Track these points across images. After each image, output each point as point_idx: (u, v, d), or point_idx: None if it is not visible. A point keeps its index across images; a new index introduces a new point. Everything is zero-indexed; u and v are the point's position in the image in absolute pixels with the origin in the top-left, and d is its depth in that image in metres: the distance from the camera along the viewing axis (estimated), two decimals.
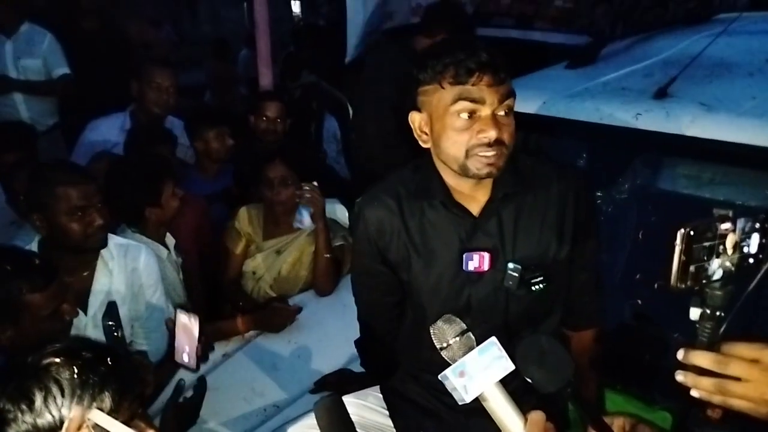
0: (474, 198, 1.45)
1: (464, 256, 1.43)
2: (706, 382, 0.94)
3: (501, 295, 1.45)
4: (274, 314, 2.40)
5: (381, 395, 1.73)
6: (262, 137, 3.24)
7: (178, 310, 1.74)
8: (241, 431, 1.96)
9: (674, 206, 2.00)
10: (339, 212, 2.74)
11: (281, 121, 3.24)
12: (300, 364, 2.21)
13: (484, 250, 1.43)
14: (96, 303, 2.06)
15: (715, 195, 1.93)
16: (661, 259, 0.97)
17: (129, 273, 2.14)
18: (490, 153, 1.32)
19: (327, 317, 2.40)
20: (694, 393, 0.95)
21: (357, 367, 1.97)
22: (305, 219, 2.54)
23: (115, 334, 1.48)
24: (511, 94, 1.34)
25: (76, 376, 1.06)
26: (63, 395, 1.05)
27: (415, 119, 1.43)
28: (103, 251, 2.08)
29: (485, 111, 1.32)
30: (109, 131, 3.20)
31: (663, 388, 1.63)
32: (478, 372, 0.96)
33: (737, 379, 0.92)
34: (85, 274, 2.06)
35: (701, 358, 0.94)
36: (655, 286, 0.97)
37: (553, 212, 1.46)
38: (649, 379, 1.67)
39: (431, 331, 1.05)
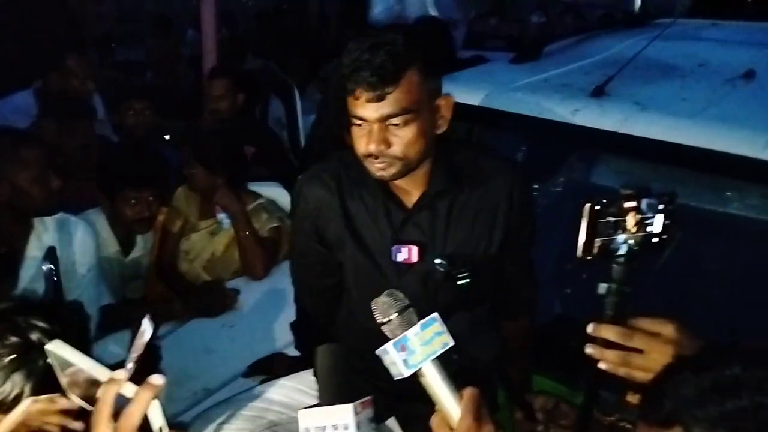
0: (409, 191, 1.46)
1: (393, 248, 1.45)
2: (612, 354, 0.99)
3: (430, 286, 1.48)
4: (213, 299, 2.37)
5: (314, 378, 1.73)
6: (210, 115, 3.18)
7: (146, 317, 1.67)
8: (170, 414, 1.91)
9: None
10: (279, 195, 2.71)
11: (227, 99, 3.19)
12: (234, 348, 2.19)
13: (414, 243, 1.45)
14: (27, 276, 1.99)
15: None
16: None
17: (63, 247, 2.08)
18: (377, 162, 1.35)
19: (263, 301, 2.38)
20: (601, 365, 1.00)
21: (292, 352, 1.96)
22: (221, 218, 2.56)
23: (54, 278, 1.42)
24: (398, 110, 1.30)
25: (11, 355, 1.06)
26: None
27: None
28: (37, 223, 2.02)
29: (371, 124, 1.33)
30: (14, 116, 3.02)
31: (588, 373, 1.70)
32: (418, 346, 0.97)
33: (640, 351, 0.97)
34: (18, 245, 2.00)
35: (607, 331, 1.00)
36: (567, 265, 1.02)
37: (486, 208, 1.48)
38: (575, 365, 1.72)
39: (372, 306, 1.05)
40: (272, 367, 1.99)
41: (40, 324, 1.15)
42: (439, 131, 1.41)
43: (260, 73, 4.27)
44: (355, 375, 1.62)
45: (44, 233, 2.04)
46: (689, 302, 1.92)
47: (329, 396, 1.01)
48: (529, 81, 2.18)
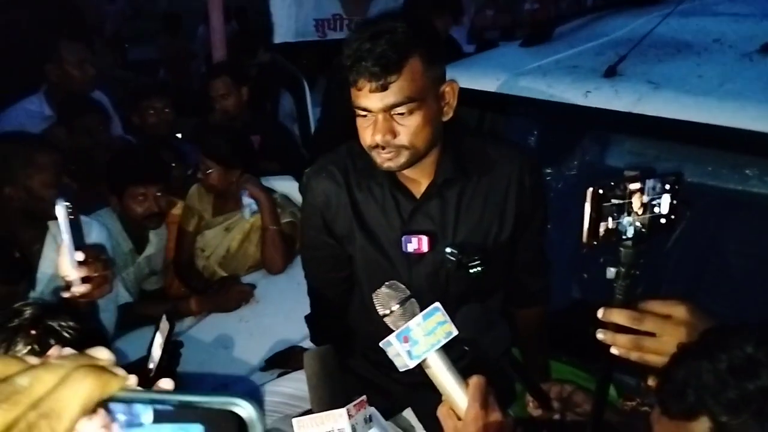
0: (417, 180, 1.45)
1: (403, 238, 1.43)
2: (623, 338, 0.97)
3: (441, 276, 1.46)
4: (229, 294, 2.38)
5: None
6: (216, 113, 3.19)
7: (164, 315, 1.67)
8: None
9: None
10: (292, 189, 2.70)
11: (232, 96, 3.18)
12: (251, 342, 2.19)
13: (424, 233, 1.43)
14: (44, 279, 2.00)
15: (659, 171, 1.96)
16: None
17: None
18: (383, 152, 1.33)
19: (279, 296, 2.38)
20: (613, 350, 0.98)
21: (308, 345, 1.95)
22: (249, 204, 2.53)
23: (71, 217, 1.40)
24: (403, 98, 1.28)
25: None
26: None
27: None
28: (52, 226, 2.04)
29: (375, 115, 1.31)
30: (28, 121, 3.01)
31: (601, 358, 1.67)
32: (421, 337, 0.95)
33: (652, 334, 0.95)
34: (35, 248, 2.02)
35: (618, 316, 0.98)
36: (583, 250, 0.99)
37: (496, 196, 1.46)
38: (593, 351, 1.70)
39: (373, 298, 1.04)
40: (289, 361, 1.99)
41: (72, 324, 1.16)
42: (445, 118, 1.39)
43: (270, 67, 4.26)
44: (372, 368, 1.61)
45: (58, 235, 2.06)
46: (709, 281, 1.89)
47: (321, 401, 1.00)
48: (539, 64, 2.14)
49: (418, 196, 1.45)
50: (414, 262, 1.46)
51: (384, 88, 1.27)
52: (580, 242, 0.98)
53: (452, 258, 1.42)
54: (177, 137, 3.29)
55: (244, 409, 0.39)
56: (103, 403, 0.40)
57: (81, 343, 1.08)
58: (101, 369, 0.39)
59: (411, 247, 1.44)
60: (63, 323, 1.17)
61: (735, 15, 2.35)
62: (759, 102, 1.69)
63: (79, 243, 1.40)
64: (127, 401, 0.40)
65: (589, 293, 1.95)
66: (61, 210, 1.35)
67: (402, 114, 1.30)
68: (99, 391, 0.38)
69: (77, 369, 0.38)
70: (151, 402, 0.40)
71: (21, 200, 1.98)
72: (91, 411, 0.39)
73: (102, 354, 0.41)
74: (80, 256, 1.39)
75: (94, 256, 1.45)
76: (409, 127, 1.31)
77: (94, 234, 2.13)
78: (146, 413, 0.40)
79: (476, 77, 2.07)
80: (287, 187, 2.74)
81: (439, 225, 1.45)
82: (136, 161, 2.46)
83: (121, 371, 0.40)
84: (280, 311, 2.27)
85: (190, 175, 2.78)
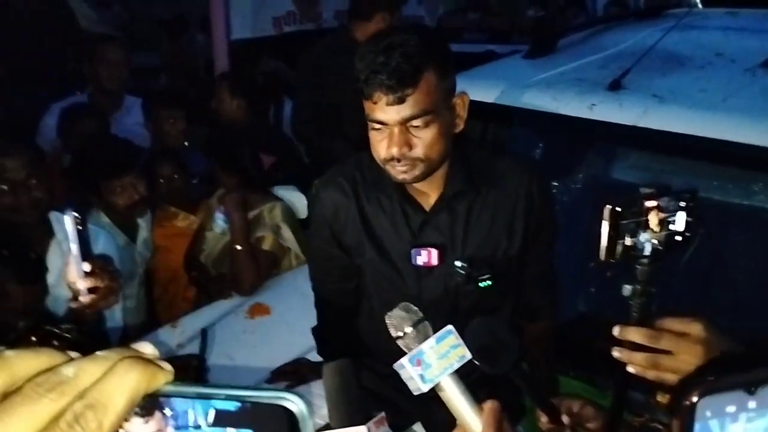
0: (426, 193, 1.46)
1: (413, 251, 1.44)
2: (640, 356, 0.97)
3: (450, 290, 1.47)
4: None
5: None
6: (225, 122, 3.21)
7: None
8: None
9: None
10: (295, 199, 2.70)
11: (227, 105, 3.21)
12: (256, 354, 2.18)
13: (433, 246, 1.44)
14: (50, 282, 2.00)
15: (670, 186, 1.97)
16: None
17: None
18: (398, 165, 1.33)
19: (285, 307, 2.37)
20: (629, 369, 0.98)
21: (315, 358, 1.95)
22: (220, 218, 2.55)
23: (79, 227, 1.38)
24: (419, 111, 1.29)
25: None
26: None
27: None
28: (57, 233, 2.03)
29: (391, 128, 1.31)
30: None
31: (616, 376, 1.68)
32: (434, 360, 0.95)
33: (669, 352, 0.95)
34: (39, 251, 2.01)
35: (634, 334, 0.98)
36: (591, 264, 1.00)
37: (505, 209, 1.47)
38: (601, 366, 1.71)
39: (386, 320, 1.04)
40: (295, 373, 1.99)
41: (68, 326, 1.17)
42: (457, 131, 1.40)
43: (273, 76, 4.27)
44: (381, 381, 1.61)
45: (64, 241, 2.05)
46: (715, 297, 1.90)
47: (340, 415, 0.99)
48: (544, 76, 2.15)
49: (427, 208, 1.46)
50: (423, 275, 1.47)
51: (401, 100, 1.28)
52: (596, 259, 0.99)
53: (462, 272, 1.43)
54: (185, 145, 3.29)
55: (294, 403, 0.37)
56: (158, 405, 0.39)
57: (83, 344, 1.09)
58: (147, 361, 0.39)
59: (420, 260, 1.44)
60: (61, 326, 1.17)
61: (736, 29, 2.37)
62: (762, 117, 1.70)
63: (86, 253, 1.40)
64: (174, 396, 0.39)
65: (597, 307, 1.95)
66: (69, 220, 1.35)
67: (418, 126, 1.31)
68: (146, 383, 0.38)
69: (123, 360, 0.38)
70: (198, 396, 0.38)
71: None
72: (147, 413, 0.38)
73: (146, 348, 0.40)
74: (87, 266, 1.39)
75: (102, 267, 1.45)
76: (424, 140, 1.32)
77: (101, 243, 2.13)
78: (203, 416, 0.38)
79: (481, 89, 2.09)
80: (288, 196, 2.73)
81: (448, 238, 1.46)
82: (102, 156, 2.44)
83: (167, 365, 0.40)
84: (286, 323, 2.27)
85: (195, 184, 2.78)
